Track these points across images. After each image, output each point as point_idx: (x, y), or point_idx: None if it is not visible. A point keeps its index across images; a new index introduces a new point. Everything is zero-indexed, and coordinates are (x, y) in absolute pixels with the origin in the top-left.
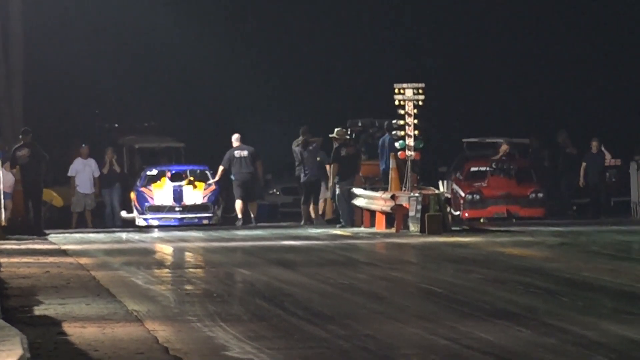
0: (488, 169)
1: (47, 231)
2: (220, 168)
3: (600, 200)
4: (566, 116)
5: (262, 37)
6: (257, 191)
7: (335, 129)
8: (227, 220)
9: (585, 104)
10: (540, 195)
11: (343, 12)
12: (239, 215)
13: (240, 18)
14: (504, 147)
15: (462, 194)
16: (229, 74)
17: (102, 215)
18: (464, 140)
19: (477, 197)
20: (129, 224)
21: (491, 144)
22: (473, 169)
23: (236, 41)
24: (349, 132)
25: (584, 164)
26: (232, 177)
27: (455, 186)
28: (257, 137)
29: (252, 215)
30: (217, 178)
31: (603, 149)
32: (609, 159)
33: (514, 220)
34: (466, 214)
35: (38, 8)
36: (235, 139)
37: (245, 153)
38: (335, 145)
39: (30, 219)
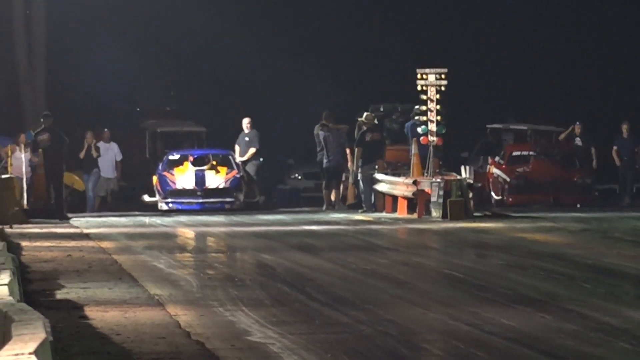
0: (531, 153)
1: (69, 215)
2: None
3: (630, 185)
4: (591, 101)
5: (285, 21)
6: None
7: (365, 113)
8: (249, 205)
9: (609, 88)
10: (587, 180)
11: None
12: None
13: (263, 2)
14: (577, 127)
15: (507, 179)
16: (251, 58)
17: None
18: (488, 126)
19: (523, 182)
20: (151, 208)
21: (515, 130)
22: (515, 153)
23: (259, 25)
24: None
25: (615, 148)
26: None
27: (496, 170)
28: (279, 122)
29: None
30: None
31: None
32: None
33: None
34: (510, 199)
35: None
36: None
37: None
38: (363, 129)
39: (52, 202)
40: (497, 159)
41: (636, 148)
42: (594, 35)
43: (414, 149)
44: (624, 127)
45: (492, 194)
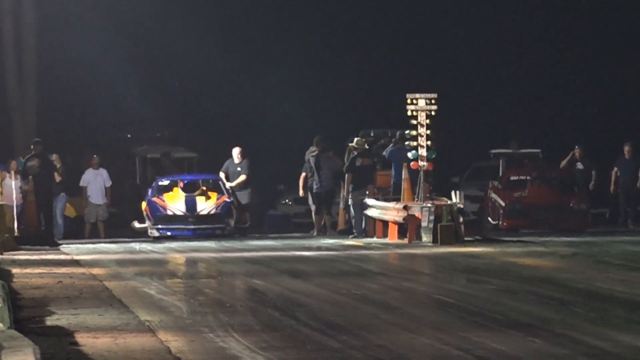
0: (528, 177)
1: (59, 241)
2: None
3: (634, 207)
4: (590, 122)
5: (274, 47)
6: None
7: (355, 139)
8: (239, 230)
9: (611, 110)
10: (583, 206)
11: (356, 21)
12: None
13: (253, 29)
14: (577, 151)
15: (502, 204)
16: (241, 84)
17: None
18: (492, 151)
19: (518, 207)
20: (142, 234)
21: (523, 154)
22: (512, 177)
23: (249, 51)
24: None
25: (615, 169)
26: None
27: (493, 195)
28: (270, 147)
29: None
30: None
31: None
32: None
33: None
34: (505, 224)
35: (51, 18)
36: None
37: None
38: (353, 154)
39: (43, 229)
40: (495, 183)
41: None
42: (594, 54)
43: (404, 173)
44: (626, 148)
45: (489, 218)
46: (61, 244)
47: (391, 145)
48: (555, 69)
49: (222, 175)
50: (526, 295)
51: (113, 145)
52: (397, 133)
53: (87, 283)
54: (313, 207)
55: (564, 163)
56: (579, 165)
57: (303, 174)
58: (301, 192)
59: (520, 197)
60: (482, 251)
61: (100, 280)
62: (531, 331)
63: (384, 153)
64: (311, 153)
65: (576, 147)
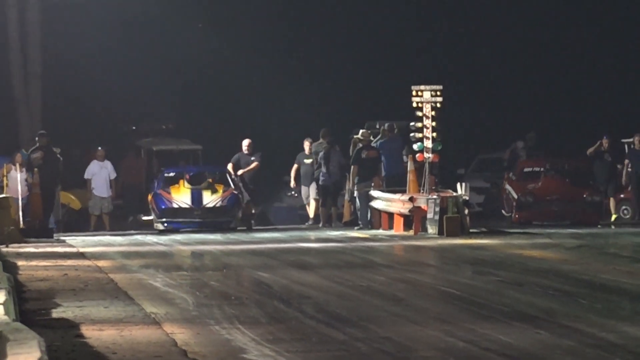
0: (542, 169)
1: (65, 234)
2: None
3: None
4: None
5: (280, 40)
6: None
7: (360, 131)
8: (245, 221)
9: (620, 99)
10: (596, 198)
11: (362, 14)
12: None
13: (259, 21)
14: (605, 142)
15: (515, 196)
16: (247, 76)
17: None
18: (623, 140)
19: (531, 199)
20: (147, 227)
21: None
22: (526, 169)
23: (254, 44)
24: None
25: (626, 161)
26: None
27: (507, 187)
28: (275, 139)
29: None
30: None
31: None
32: None
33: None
34: (517, 216)
35: (56, 11)
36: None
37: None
38: (359, 146)
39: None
40: (510, 175)
41: None
42: (603, 43)
43: (410, 165)
44: (636, 139)
45: (503, 211)
46: (59, 236)
47: (379, 137)
48: (558, 63)
49: (230, 166)
50: (532, 287)
51: (118, 137)
52: (386, 125)
53: (93, 275)
54: (305, 199)
55: (590, 151)
56: (607, 157)
57: (295, 166)
58: (292, 183)
59: (533, 189)
60: (488, 243)
61: (105, 273)
62: (537, 323)
63: (373, 145)
64: (320, 145)
65: (604, 137)
